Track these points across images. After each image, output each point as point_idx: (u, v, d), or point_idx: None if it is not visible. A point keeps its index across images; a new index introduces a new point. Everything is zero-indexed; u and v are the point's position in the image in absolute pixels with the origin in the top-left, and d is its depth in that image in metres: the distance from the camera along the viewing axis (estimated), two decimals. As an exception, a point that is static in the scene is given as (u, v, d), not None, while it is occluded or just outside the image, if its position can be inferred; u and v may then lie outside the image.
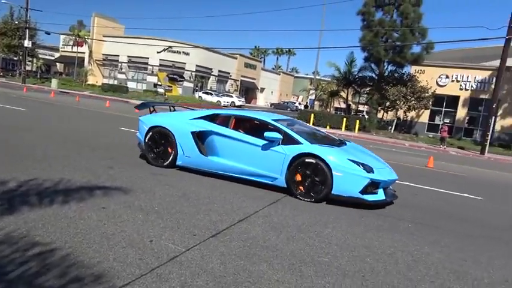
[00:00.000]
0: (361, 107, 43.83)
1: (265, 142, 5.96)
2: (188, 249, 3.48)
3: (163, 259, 3.22)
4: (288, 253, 3.66)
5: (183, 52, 44.22)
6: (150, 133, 6.75)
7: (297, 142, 5.90)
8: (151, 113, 7.32)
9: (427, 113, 29.69)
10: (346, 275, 3.35)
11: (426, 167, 11.76)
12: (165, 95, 33.95)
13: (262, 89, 61.88)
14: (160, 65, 43.61)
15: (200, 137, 6.45)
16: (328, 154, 5.63)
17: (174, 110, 7.76)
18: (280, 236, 4.08)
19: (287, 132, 6.04)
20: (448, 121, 29.44)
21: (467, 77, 28.64)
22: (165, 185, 5.58)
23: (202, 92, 43.26)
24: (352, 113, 35.76)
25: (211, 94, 42.28)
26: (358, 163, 5.63)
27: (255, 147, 6.04)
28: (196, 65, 45.35)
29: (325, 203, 5.67)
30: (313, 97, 45.43)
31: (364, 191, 5.55)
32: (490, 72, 27.29)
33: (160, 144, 6.71)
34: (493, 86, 23.64)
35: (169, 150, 6.62)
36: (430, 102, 27.59)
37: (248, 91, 57.75)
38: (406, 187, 7.85)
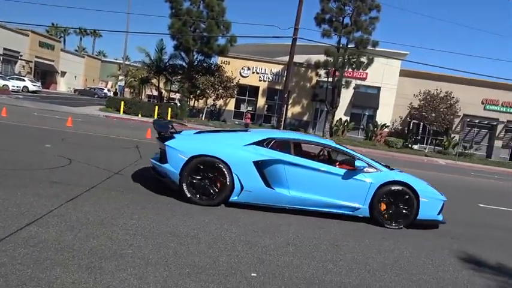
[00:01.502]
0: (173, 95, 44.32)
1: (346, 170, 5.69)
2: (-47, 267, 2.85)
3: None
4: (86, 252, 3.42)
5: (-50, 22, 35.15)
6: (192, 164, 5.44)
7: (377, 169, 5.84)
8: (166, 135, 5.93)
9: (233, 101, 32.29)
10: (149, 263, 3.38)
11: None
12: None
13: (64, 73, 55.18)
14: None
15: (263, 167, 5.58)
16: (414, 181, 5.86)
17: (173, 128, 6.37)
18: (78, 235, 3.77)
19: (365, 159, 5.91)
20: (251, 109, 32.75)
21: (265, 70, 32.41)
22: None
23: (-18, 74, 35.53)
24: (165, 101, 35.78)
25: (-5, 76, 35.15)
26: (433, 187, 6.12)
27: (335, 176, 5.68)
28: (-28, 40, 36.86)
29: (133, 195, 5.53)
30: (123, 83, 43.28)
31: (439, 212, 5.99)
32: (282, 66, 31.54)
33: (205, 177, 5.49)
34: (284, 79, 27.48)
35: (219, 184, 5.49)
36: (235, 92, 30.12)
37: (46, 75, 50.52)
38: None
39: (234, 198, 5.58)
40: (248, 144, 5.73)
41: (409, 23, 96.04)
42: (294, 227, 5.08)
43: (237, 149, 5.65)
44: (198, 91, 28.29)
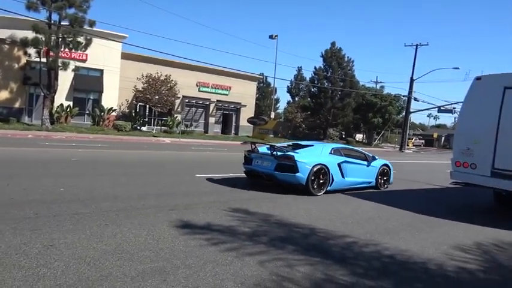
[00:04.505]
0: None
1: (367, 162, 10.03)
2: None
3: None
4: None
5: None
6: (313, 170, 8.45)
7: (375, 159, 10.38)
8: (253, 150, 9.29)
9: None
10: None
11: None
12: None
13: None
14: None
15: (340, 166, 9.13)
16: (387, 162, 10.79)
17: (255, 147, 9.45)
18: None
19: (370, 154, 10.45)
20: None
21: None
22: None
23: None
24: None
25: None
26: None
27: (363, 166, 9.90)
28: None
29: None
30: None
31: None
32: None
33: (317, 177, 8.60)
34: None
35: (324, 180, 8.73)
36: None
37: None
38: None
39: (329, 188, 8.84)
40: (328, 154, 9.21)
41: (130, 6, 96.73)
42: (-4, 237, 4.22)
43: (327, 157, 9.05)
44: None
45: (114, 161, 12.83)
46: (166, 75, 31.68)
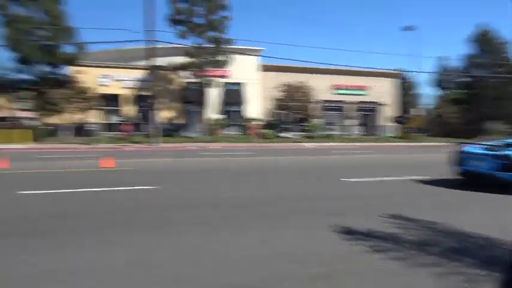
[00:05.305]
0: (19, 113, 38.66)
1: None
2: None
3: None
4: None
5: None
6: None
7: None
8: (463, 151, 9.10)
9: (97, 113, 29.82)
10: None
11: (101, 168, 11.79)
12: None
13: None
14: None
15: None
16: None
17: (464, 147, 9.35)
18: None
19: None
20: (124, 119, 30.66)
21: (127, 76, 30.73)
22: None
23: None
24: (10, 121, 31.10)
25: None
26: None
27: None
28: None
29: None
30: None
31: None
32: (145, 71, 30.30)
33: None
34: (150, 84, 26.48)
35: None
36: (97, 103, 27.80)
37: None
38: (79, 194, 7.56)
39: None
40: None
41: (263, 21, 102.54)
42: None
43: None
44: (53, 107, 25.28)
45: (266, 167, 13.48)
46: (302, 82, 32.32)
